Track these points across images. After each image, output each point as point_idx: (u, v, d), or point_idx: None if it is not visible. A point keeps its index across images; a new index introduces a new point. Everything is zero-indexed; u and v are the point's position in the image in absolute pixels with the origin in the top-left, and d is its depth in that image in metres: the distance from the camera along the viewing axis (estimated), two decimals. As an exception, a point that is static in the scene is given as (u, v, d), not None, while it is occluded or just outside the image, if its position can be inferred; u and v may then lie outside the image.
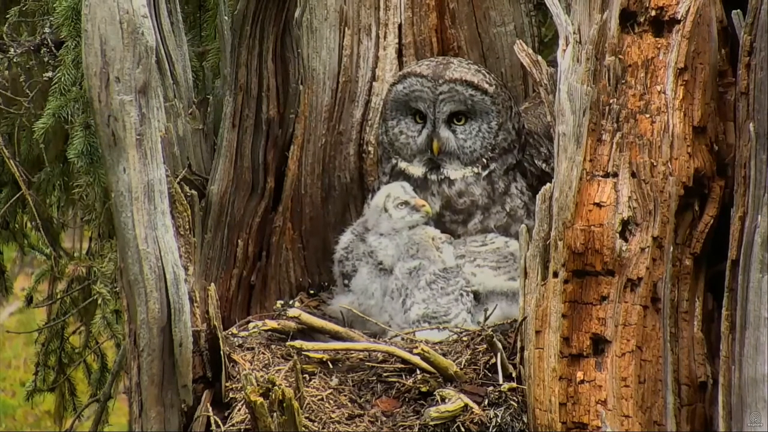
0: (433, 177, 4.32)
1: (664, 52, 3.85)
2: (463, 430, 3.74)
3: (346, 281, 4.32)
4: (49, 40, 5.04)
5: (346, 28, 4.52)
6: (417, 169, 4.34)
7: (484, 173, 4.31)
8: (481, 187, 4.30)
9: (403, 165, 4.36)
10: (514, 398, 3.80)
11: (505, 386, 3.82)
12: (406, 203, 4.25)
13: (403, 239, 4.22)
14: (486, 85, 4.27)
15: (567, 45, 3.87)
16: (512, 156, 4.33)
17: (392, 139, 4.37)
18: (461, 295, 4.17)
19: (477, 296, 4.19)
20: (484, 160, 4.31)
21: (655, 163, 3.80)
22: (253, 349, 4.05)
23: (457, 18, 4.62)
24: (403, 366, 3.91)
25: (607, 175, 3.82)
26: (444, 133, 4.30)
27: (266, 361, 4.00)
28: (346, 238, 4.36)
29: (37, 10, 5.18)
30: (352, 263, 4.30)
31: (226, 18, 4.29)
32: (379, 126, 4.43)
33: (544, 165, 4.38)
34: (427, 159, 4.33)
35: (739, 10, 3.82)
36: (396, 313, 4.17)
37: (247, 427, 3.80)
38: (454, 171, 4.31)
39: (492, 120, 4.29)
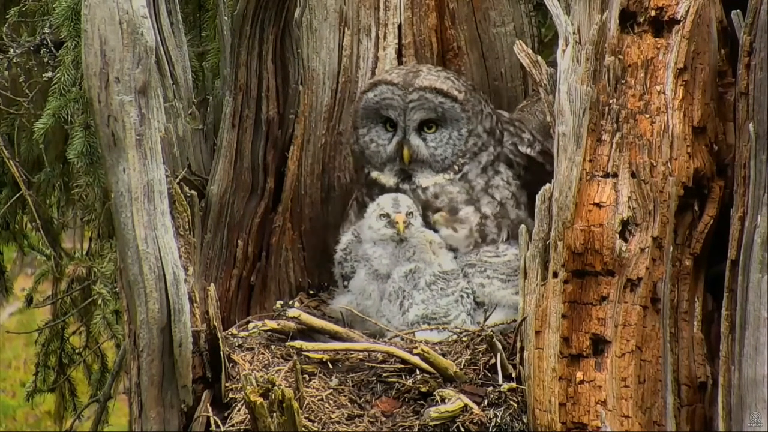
0: (405, 186, 4.30)
1: (664, 52, 3.86)
2: (462, 430, 3.74)
3: (345, 282, 4.31)
4: (48, 40, 5.03)
5: (346, 29, 4.52)
6: (388, 179, 4.32)
7: (457, 177, 4.29)
8: (459, 186, 4.29)
9: (374, 174, 4.33)
10: (514, 398, 3.80)
11: (505, 386, 3.82)
12: (387, 216, 4.22)
13: (402, 243, 4.22)
14: (455, 92, 4.26)
15: (567, 45, 3.87)
16: (486, 154, 4.30)
17: (363, 148, 4.35)
18: (461, 296, 4.17)
19: (481, 307, 4.18)
20: (456, 167, 4.29)
21: (654, 164, 3.80)
22: (252, 349, 4.05)
23: (457, 18, 4.62)
24: (402, 366, 3.91)
25: (606, 176, 3.82)
26: (414, 140, 4.28)
27: (266, 362, 4.00)
28: (345, 239, 4.35)
29: (37, 10, 5.17)
30: (351, 264, 4.30)
31: (225, 18, 4.29)
32: (350, 134, 4.41)
33: (529, 150, 4.36)
34: (398, 169, 4.31)
35: (738, 11, 3.82)
36: (393, 315, 4.17)
37: (246, 427, 3.80)
38: (425, 179, 4.28)
39: (462, 127, 4.28)
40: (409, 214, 4.21)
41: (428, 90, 4.24)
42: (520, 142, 4.37)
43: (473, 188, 4.28)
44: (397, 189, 4.29)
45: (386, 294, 4.19)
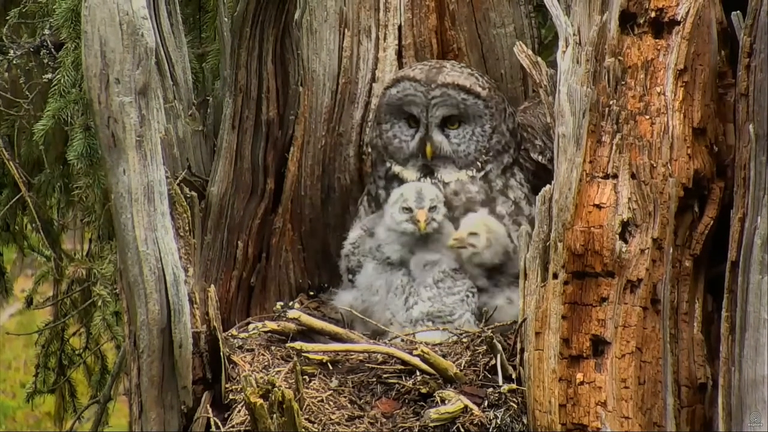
0: (427, 181, 4.30)
1: (664, 53, 3.86)
2: (462, 431, 3.74)
3: (350, 276, 4.31)
4: (48, 41, 5.04)
5: (346, 30, 4.52)
6: (411, 174, 4.32)
7: (480, 175, 4.30)
8: (478, 186, 4.29)
9: (397, 169, 4.35)
10: (514, 400, 3.80)
11: (505, 388, 3.82)
12: (409, 210, 4.21)
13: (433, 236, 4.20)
14: (479, 89, 4.27)
15: (567, 46, 3.87)
16: (508, 155, 4.33)
17: (386, 143, 4.36)
18: (467, 296, 4.17)
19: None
20: (479, 164, 4.30)
21: (654, 165, 3.80)
22: (252, 350, 4.05)
23: (457, 19, 4.62)
24: (402, 367, 3.91)
25: (606, 177, 3.82)
26: (437, 137, 4.29)
27: (266, 363, 4.00)
28: (354, 233, 4.34)
29: (37, 11, 5.18)
30: (358, 258, 4.29)
31: (225, 19, 4.29)
32: (372, 129, 4.42)
33: (540, 157, 4.37)
34: (421, 164, 4.32)
35: (738, 12, 3.82)
36: (398, 310, 4.17)
37: (246, 428, 3.79)
38: (448, 175, 4.29)
39: (485, 123, 4.29)
40: (433, 208, 4.18)
41: (451, 86, 4.25)
42: (532, 148, 4.38)
43: (492, 189, 4.29)
44: None
45: (392, 287, 4.19)
